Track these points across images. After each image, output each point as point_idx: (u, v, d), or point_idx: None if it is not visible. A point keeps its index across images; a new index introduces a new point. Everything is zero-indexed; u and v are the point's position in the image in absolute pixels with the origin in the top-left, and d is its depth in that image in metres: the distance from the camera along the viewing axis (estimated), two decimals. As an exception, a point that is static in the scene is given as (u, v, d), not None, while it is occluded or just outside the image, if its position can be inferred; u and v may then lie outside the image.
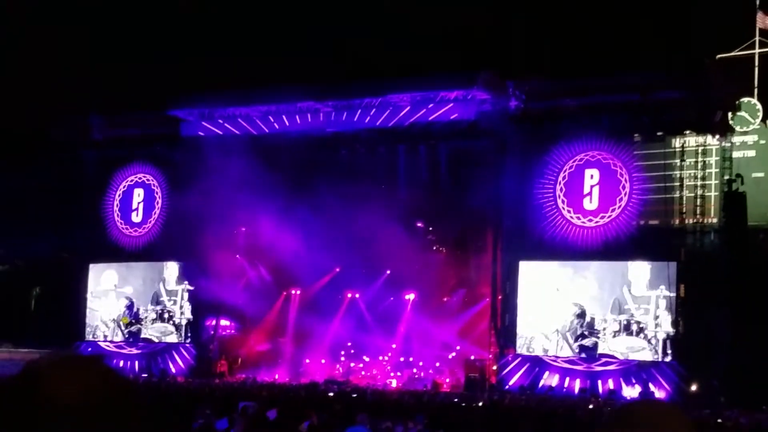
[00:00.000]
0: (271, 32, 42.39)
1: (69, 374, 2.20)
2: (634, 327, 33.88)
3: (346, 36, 41.76)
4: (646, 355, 33.57)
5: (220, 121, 40.80)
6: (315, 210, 38.14)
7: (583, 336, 34.69)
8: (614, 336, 34.18)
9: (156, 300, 42.40)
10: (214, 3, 44.06)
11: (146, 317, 42.48)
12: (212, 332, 41.58)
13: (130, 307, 42.83)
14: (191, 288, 41.60)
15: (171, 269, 42.27)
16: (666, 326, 33.39)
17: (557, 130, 35.85)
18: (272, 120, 40.01)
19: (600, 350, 34.32)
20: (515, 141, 36.32)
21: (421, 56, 40.47)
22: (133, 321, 42.88)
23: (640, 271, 34.09)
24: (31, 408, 2.14)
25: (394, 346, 40.09)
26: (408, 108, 37.68)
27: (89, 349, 42.81)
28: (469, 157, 37.33)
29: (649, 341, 33.65)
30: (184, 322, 41.71)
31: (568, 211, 35.55)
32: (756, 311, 30.49)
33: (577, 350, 34.72)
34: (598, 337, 34.40)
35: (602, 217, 34.93)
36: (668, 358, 33.20)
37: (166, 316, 42.13)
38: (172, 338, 41.81)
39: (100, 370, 2.24)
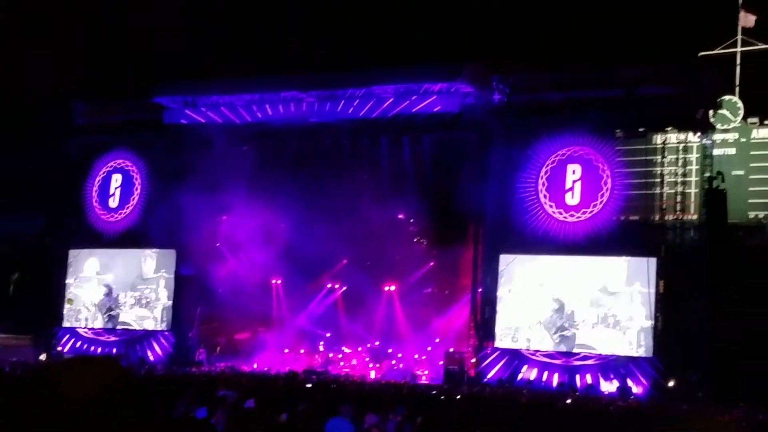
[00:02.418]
0: (256, 21, 42.27)
1: (81, 374, 2.26)
2: (611, 320, 34.05)
3: (330, 26, 41.69)
4: (624, 349, 33.74)
5: (203, 109, 40.68)
6: (297, 199, 38.16)
7: (562, 328, 34.83)
8: (592, 328, 34.34)
9: (134, 286, 42.20)
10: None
11: (125, 302, 42.29)
12: (191, 320, 41.43)
13: (108, 294, 42.61)
14: (168, 276, 41.45)
15: (150, 256, 42.06)
16: (641, 321, 33.57)
17: (540, 124, 35.94)
18: (255, 109, 39.94)
19: (578, 341, 34.48)
20: (498, 134, 36.45)
21: (406, 48, 40.41)
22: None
23: (617, 266, 34.25)
24: (44, 406, 2.20)
25: (373, 337, 40.15)
26: (392, 99, 37.67)
27: (67, 335, 42.72)
28: (452, 149, 37.35)
29: (625, 335, 33.82)
30: (161, 308, 41.52)
31: (550, 206, 35.65)
32: (735, 308, 30.69)
33: (557, 341, 34.84)
34: (577, 329, 34.55)
35: (584, 213, 35.06)
36: (642, 351, 33.37)
37: (144, 302, 41.94)
38: (150, 324, 41.63)
39: (111, 370, 2.30)
